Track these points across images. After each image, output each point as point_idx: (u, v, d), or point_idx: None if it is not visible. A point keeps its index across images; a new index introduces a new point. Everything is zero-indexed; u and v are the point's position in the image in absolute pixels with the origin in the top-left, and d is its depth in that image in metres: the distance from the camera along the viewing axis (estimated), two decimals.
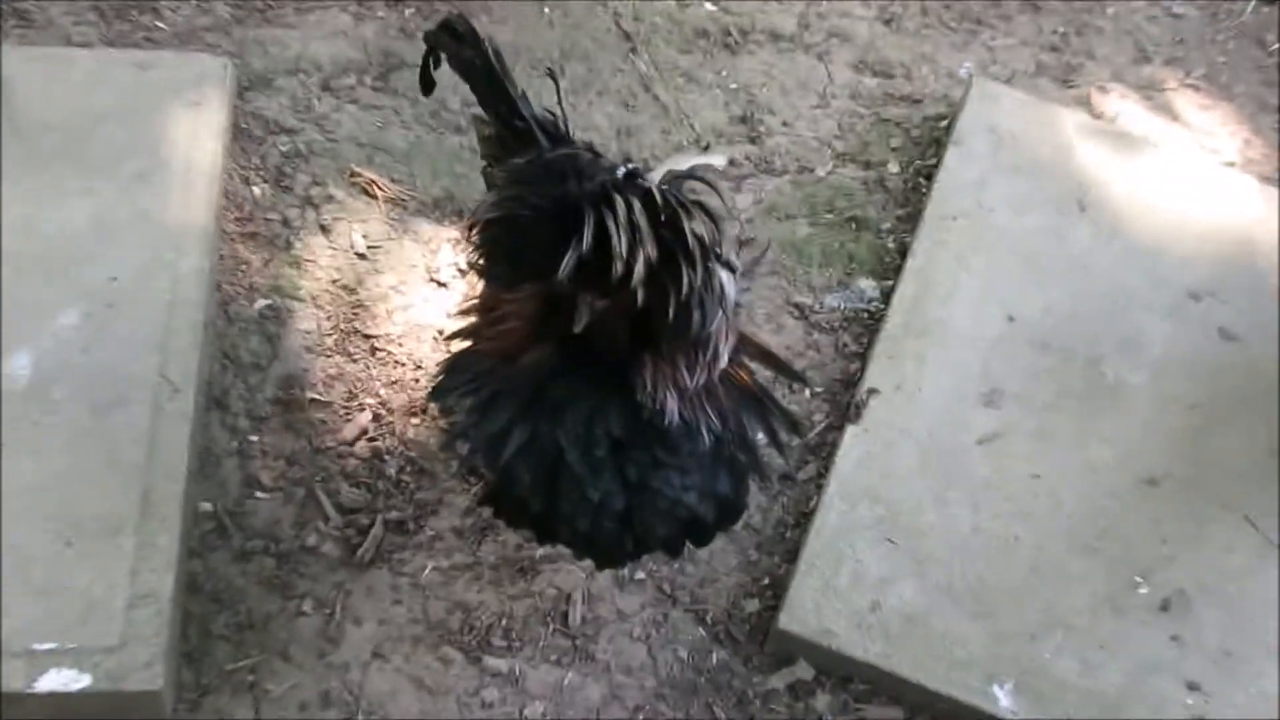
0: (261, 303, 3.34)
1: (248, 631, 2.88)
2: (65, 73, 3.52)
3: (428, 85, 2.82)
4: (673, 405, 2.19)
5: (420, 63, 2.79)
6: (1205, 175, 3.86)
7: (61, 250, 3.19)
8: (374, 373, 3.27)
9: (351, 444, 3.15)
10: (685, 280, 2.02)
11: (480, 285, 2.64)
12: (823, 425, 3.33)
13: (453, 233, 3.51)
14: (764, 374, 2.63)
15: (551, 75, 2.76)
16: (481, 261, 2.54)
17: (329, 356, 3.29)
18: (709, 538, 2.52)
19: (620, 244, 1.95)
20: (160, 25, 3.83)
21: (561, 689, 2.91)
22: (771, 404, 2.45)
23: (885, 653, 2.91)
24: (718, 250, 2.07)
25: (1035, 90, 4.12)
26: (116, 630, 2.69)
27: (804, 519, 3.16)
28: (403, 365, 3.28)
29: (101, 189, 3.30)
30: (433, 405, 3.13)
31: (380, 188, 3.57)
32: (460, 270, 3.43)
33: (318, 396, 3.22)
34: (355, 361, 3.29)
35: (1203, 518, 3.19)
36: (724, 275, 2.09)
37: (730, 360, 2.29)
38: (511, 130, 2.59)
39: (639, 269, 1.97)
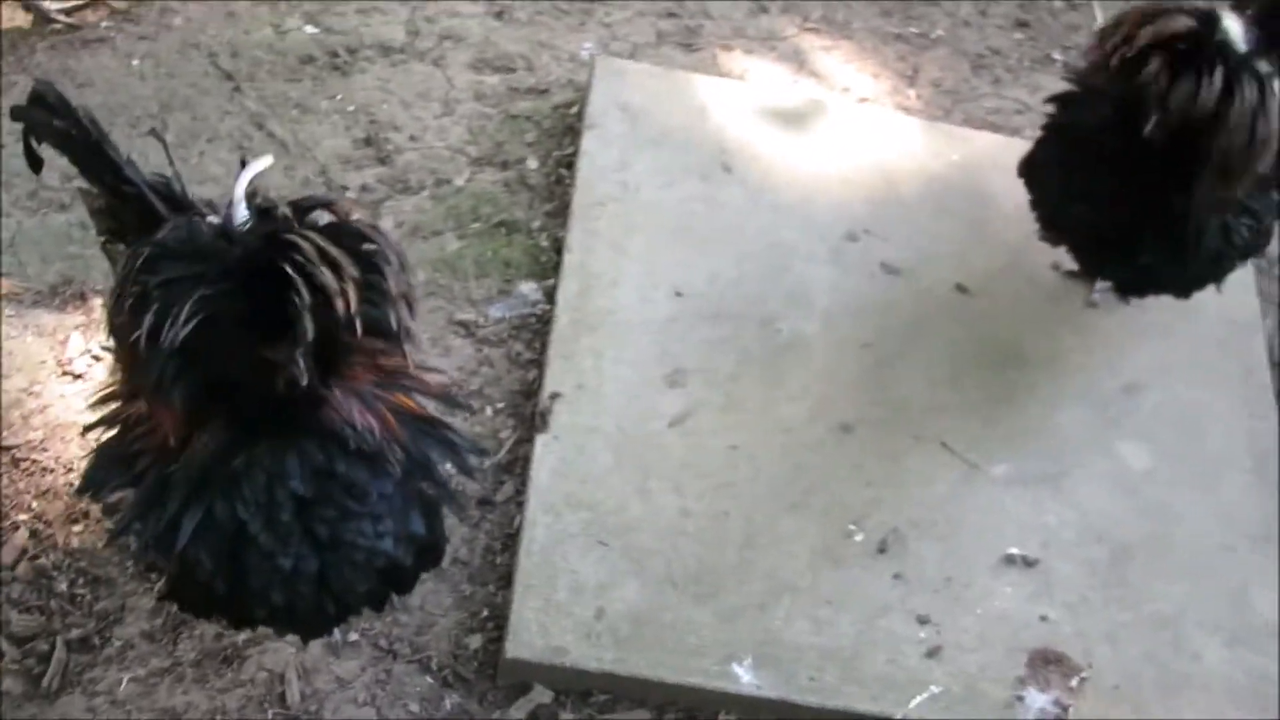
0: None
1: None
2: None
3: (35, 163, 2.75)
4: (374, 423, 2.22)
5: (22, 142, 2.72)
6: (842, 115, 4.09)
7: None
8: (21, 486, 3.18)
9: (13, 567, 3.06)
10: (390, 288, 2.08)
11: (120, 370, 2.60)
12: (511, 441, 3.40)
13: (79, 318, 3.44)
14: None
15: (155, 134, 2.73)
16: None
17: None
18: (411, 583, 2.56)
19: (330, 282, 1.97)
20: None
21: None
22: (449, 430, 2.49)
23: (619, 658, 3.01)
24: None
25: (660, 60, 4.29)
26: None
27: (511, 540, 3.22)
28: (51, 472, 3.20)
29: None
30: (96, 507, 3.07)
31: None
32: (96, 357, 3.37)
33: None
34: None
35: (900, 453, 3.40)
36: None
37: (401, 391, 2.34)
38: (122, 198, 2.56)
39: (352, 300, 2.00)
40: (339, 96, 4.01)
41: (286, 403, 2.12)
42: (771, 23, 4.49)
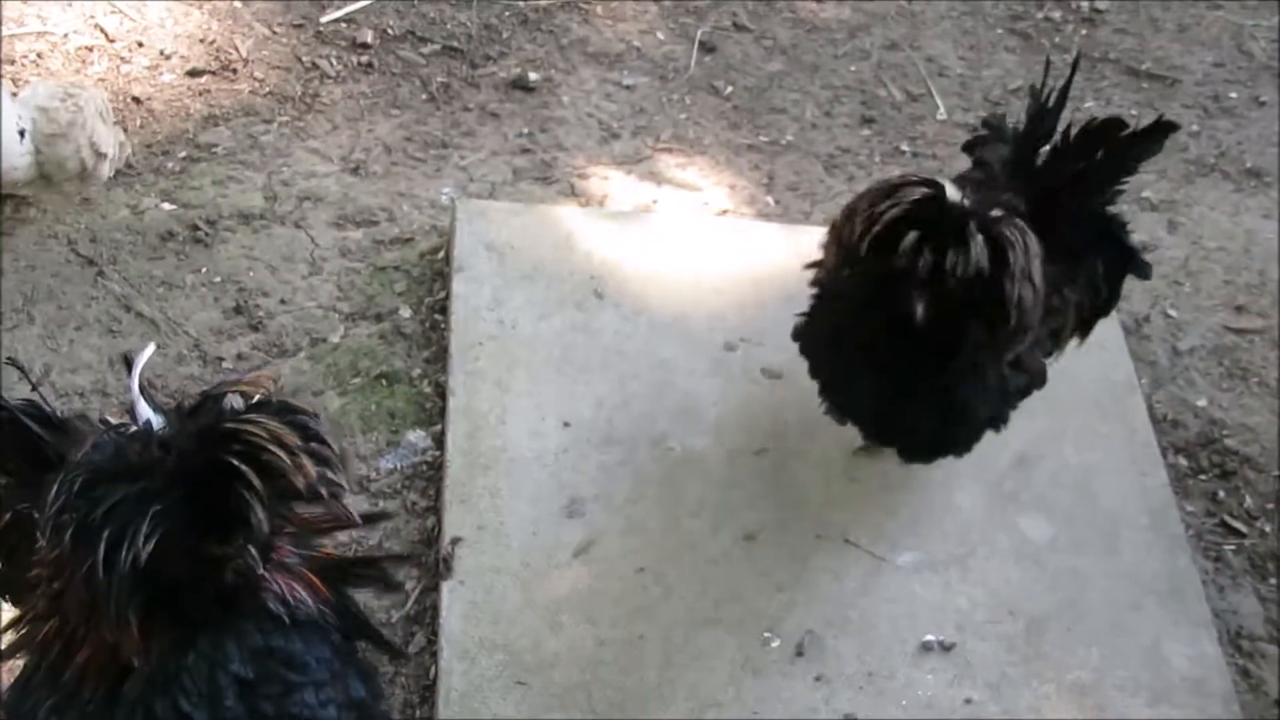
0: None
1: None
2: None
3: None
4: (304, 594, 2.20)
5: None
6: (705, 228, 4.17)
7: None
8: None
9: None
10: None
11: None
12: (418, 590, 3.37)
13: None
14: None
15: (14, 364, 2.66)
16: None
17: None
18: None
19: (285, 461, 1.97)
20: None
21: None
22: (363, 568, 2.47)
23: None
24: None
25: (520, 195, 4.34)
26: None
27: (429, 691, 3.19)
28: None
29: None
30: None
31: None
32: None
33: None
34: None
35: (806, 554, 3.43)
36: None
37: (320, 541, 2.32)
38: None
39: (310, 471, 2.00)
40: (204, 269, 4.01)
41: (222, 591, 2.11)
42: (624, 147, 4.57)
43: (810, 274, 3.33)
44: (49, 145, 3.77)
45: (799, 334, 3.39)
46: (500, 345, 3.74)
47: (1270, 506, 3.82)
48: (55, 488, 2.04)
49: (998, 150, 3.29)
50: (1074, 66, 3.26)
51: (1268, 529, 3.77)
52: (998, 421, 3.33)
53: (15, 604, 2.43)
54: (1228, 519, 3.80)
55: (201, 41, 4.60)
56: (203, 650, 2.14)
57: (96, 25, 4.60)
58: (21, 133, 3.71)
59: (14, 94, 3.80)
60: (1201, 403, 4.06)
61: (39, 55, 4.47)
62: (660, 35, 4.96)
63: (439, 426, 3.66)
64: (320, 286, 4.02)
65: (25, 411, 2.43)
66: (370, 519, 2.59)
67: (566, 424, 3.60)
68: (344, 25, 4.77)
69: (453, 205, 4.13)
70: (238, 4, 4.73)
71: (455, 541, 3.34)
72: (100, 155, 3.90)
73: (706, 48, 4.94)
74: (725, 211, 4.40)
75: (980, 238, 2.77)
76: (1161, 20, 5.33)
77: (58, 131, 3.77)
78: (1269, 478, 3.88)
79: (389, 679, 3.21)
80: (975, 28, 5.20)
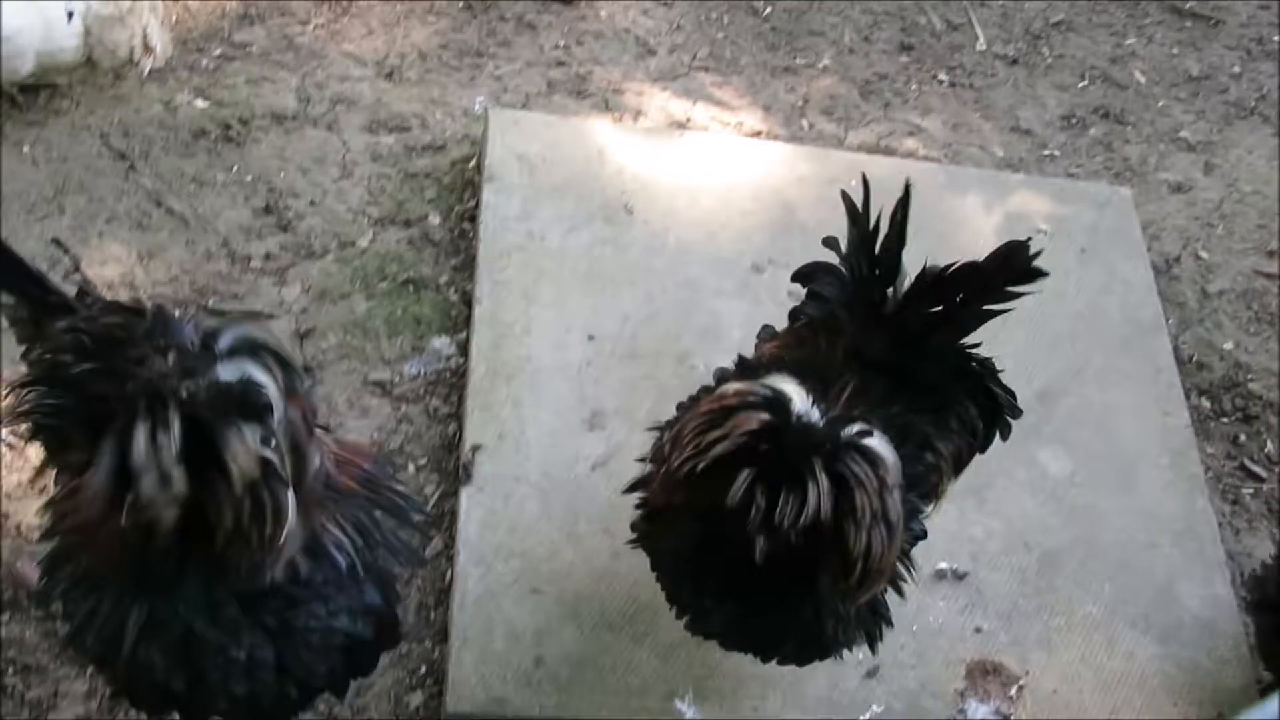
0: None
1: None
2: None
3: None
4: (272, 569, 2.15)
5: None
6: (737, 150, 4.15)
7: None
8: None
9: None
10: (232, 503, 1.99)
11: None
12: (436, 495, 3.41)
13: None
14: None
15: (59, 244, 2.67)
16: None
17: None
18: (373, 661, 2.58)
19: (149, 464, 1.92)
20: None
21: None
22: (386, 489, 2.49)
23: (561, 703, 3.02)
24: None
25: (553, 108, 4.33)
26: None
27: (444, 595, 3.23)
28: None
29: None
30: (22, 594, 3.04)
31: None
32: (10, 445, 3.34)
33: None
34: None
35: None
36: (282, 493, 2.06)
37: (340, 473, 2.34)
38: (45, 306, 2.53)
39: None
40: (235, 168, 4.01)
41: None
42: (660, 64, 4.55)
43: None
44: (104, 29, 3.75)
45: (638, 534, 2.87)
46: (528, 256, 3.74)
47: None
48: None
49: (836, 285, 2.87)
50: (904, 195, 2.66)
51: None
52: (878, 627, 2.83)
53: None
54: (1247, 463, 3.81)
55: None
56: (200, 562, 2.15)
57: None
58: (70, 14, 3.69)
59: None
60: (1228, 345, 4.06)
61: None
62: None
63: (464, 334, 3.68)
64: (350, 190, 4.02)
65: (70, 297, 2.47)
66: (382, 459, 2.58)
67: (591, 337, 3.61)
68: None
69: (485, 115, 4.12)
70: None
71: (476, 449, 3.36)
72: (148, 49, 3.89)
73: None
74: (758, 133, 4.39)
75: (824, 479, 2.27)
76: None
77: (115, 15, 3.75)
78: None
79: (404, 581, 3.24)
80: None
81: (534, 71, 4.45)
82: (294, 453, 2.05)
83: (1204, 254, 4.30)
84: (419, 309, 3.77)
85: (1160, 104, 4.78)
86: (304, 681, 2.38)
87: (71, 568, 2.30)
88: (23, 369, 2.43)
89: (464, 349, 3.64)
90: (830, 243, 2.89)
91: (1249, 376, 3.98)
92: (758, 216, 3.94)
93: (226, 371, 2.01)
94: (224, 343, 2.04)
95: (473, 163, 4.10)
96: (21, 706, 2.97)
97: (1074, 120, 4.70)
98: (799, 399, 2.35)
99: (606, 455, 3.39)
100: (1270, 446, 3.84)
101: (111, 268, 3.70)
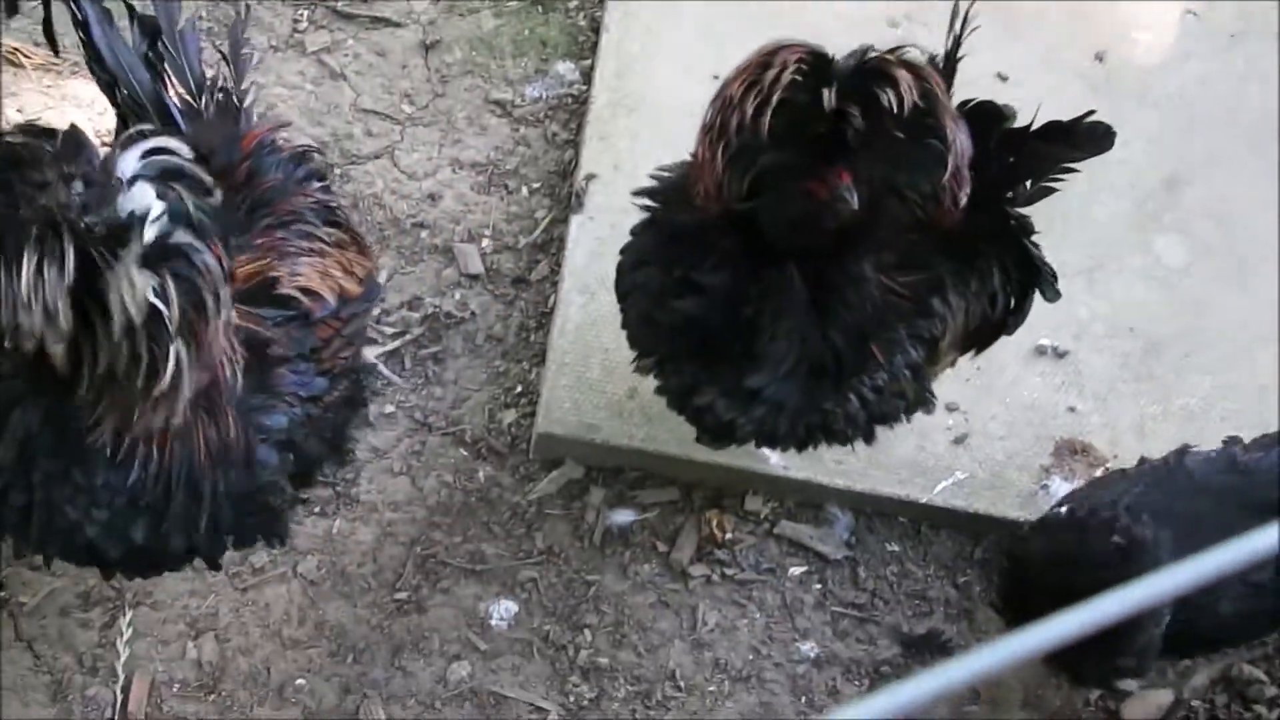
0: None
1: None
2: None
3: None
4: (111, 436, 2.10)
5: None
6: None
7: None
8: None
9: None
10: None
11: None
12: (546, 221, 3.42)
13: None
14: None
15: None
16: None
17: None
18: (115, 569, 2.47)
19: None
20: None
21: (331, 538, 3.00)
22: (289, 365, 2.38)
23: (650, 435, 3.07)
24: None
25: None
26: None
27: (545, 319, 3.27)
28: None
29: None
30: None
31: (26, 55, 3.47)
32: None
33: None
34: None
35: None
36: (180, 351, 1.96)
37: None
38: None
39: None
40: None
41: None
42: None
43: None
44: None
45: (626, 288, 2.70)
46: None
47: None
48: None
49: None
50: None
51: None
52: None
53: None
54: None
55: None
56: (25, 397, 2.11)
57: None
58: None
59: None
60: None
61: None
62: None
63: (589, 61, 3.64)
64: None
65: None
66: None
67: (716, 77, 3.53)
68: None
69: None
70: None
71: (590, 178, 3.36)
72: None
73: None
74: None
75: (902, 68, 2.22)
76: None
77: None
78: None
79: (508, 301, 3.29)
80: None
81: None
82: (194, 306, 1.95)
83: None
84: (546, 31, 3.73)
85: None
86: (40, 543, 2.31)
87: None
88: None
89: (587, 76, 3.61)
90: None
91: None
92: None
93: (130, 202, 1.93)
94: (127, 168, 1.96)
95: None
96: None
97: None
98: None
99: None
100: None
101: None
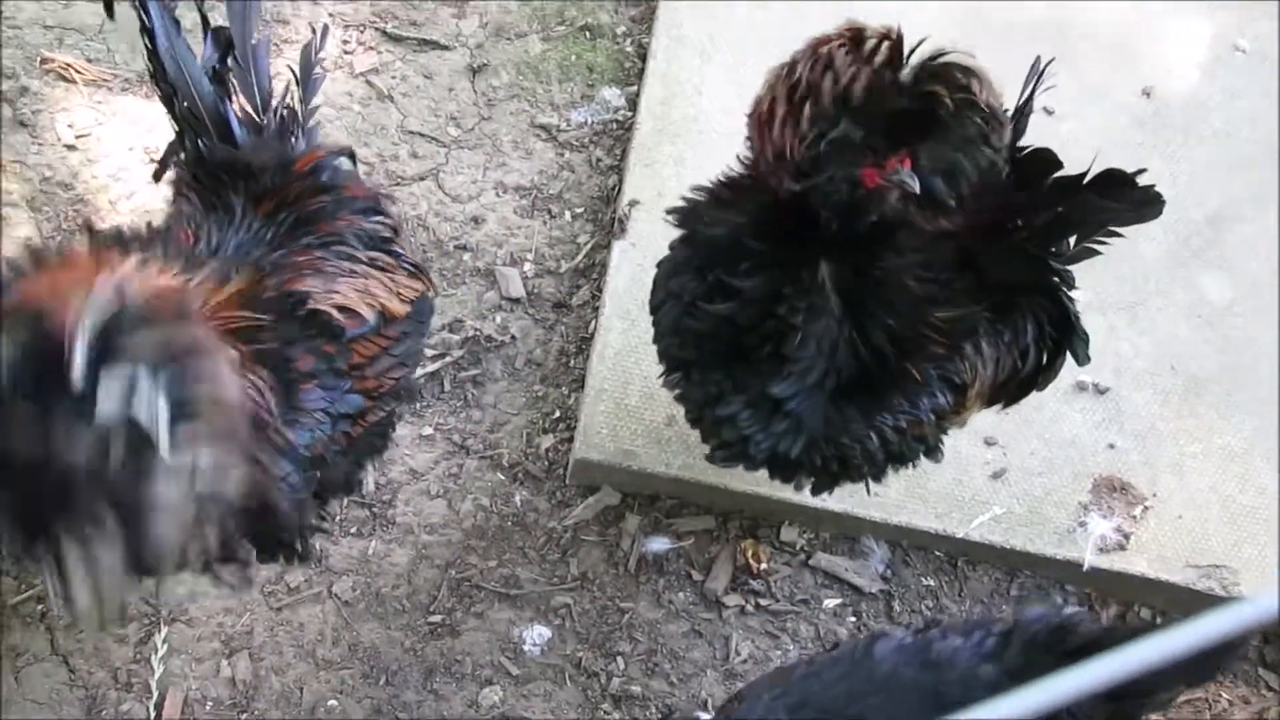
0: None
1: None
2: None
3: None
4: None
5: None
6: None
7: None
8: None
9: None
10: None
11: None
12: (589, 246, 3.41)
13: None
14: None
15: None
16: None
17: None
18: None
19: None
20: None
21: (367, 559, 2.99)
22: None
23: (688, 464, 3.05)
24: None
25: None
26: None
27: (585, 344, 3.26)
28: None
29: None
30: None
31: (78, 71, 3.49)
32: None
33: None
34: None
35: None
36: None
37: None
38: None
39: None
40: None
41: None
42: None
43: None
44: None
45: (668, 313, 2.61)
46: (709, 15, 3.67)
47: None
48: None
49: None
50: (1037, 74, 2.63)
51: None
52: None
53: None
54: None
55: None
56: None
57: None
58: None
59: None
60: None
61: None
62: None
63: (634, 87, 3.64)
64: None
65: None
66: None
67: None
68: None
69: None
70: None
71: (633, 204, 3.35)
72: None
73: None
74: None
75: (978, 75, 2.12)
76: None
77: None
78: None
79: (549, 325, 3.28)
80: None
81: None
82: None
83: None
84: (593, 56, 3.73)
85: None
86: None
87: None
88: None
89: (633, 103, 3.60)
90: None
91: None
92: (947, 12, 3.80)
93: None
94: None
95: None
96: None
97: None
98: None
99: None
100: None
101: None
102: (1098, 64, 3.80)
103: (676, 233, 2.59)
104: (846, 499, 3.04)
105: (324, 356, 2.32)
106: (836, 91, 2.10)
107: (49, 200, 3.31)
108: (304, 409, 2.28)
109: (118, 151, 3.40)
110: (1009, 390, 2.73)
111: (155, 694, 2.81)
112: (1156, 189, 2.43)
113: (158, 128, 3.41)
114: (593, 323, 3.26)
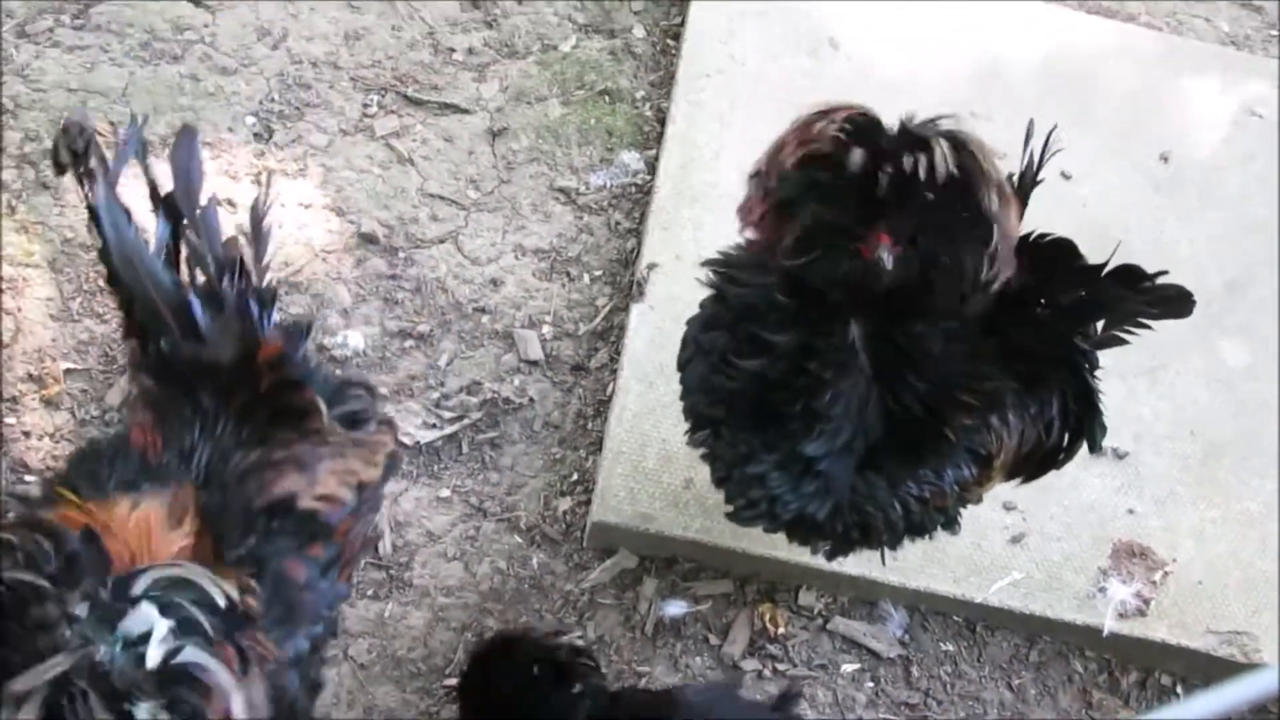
0: None
1: None
2: None
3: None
4: None
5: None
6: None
7: None
8: None
9: (119, 409, 3.12)
10: None
11: None
12: (607, 309, 3.41)
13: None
14: None
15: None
16: None
17: (77, 321, 3.24)
18: None
19: None
20: None
21: (383, 622, 2.96)
22: None
23: (705, 527, 3.03)
24: None
25: None
26: None
27: (603, 407, 3.24)
28: None
29: None
30: None
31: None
32: None
33: (73, 366, 3.18)
34: (106, 322, 3.24)
35: None
36: None
37: None
38: None
39: None
40: None
41: None
42: None
43: None
44: None
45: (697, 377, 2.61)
46: (727, 80, 3.68)
47: None
48: None
49: None
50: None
51: None
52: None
53: None
54: None
55: None
56: None
57: None
58: None
59: None
60: None
61: None
62: None
63: (653, 151, 3.64)
64: None
65: None
66: None
67: None
68: None
69: None
70: None
71: (651, 267, 3.34)
72: None
73: None
74: None
75: (943, 140, 2.11)
76: None
77: None
78: None
79: (567, 389, 3.27)
80: None
81: None
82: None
83: None
84: (612, 120, 3.74)
85: None
86: None
87: None
88: None
89: (652, 167, 3.60)
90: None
91: None
92: (963, 65, 3.82)
93: (134, 624, 1.80)
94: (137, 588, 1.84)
95: None
96: None
97: None
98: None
99: None
100: None
101: (318, 45, 3.72)
102: (1114, 128, 3.80)
103: (700, 294, 2.59)
104: (864, 563, 3.01)
105: (313, 562, 2.23)
106: (786, 169, 2.24)
107: (70, 262, 3.31)
108: (302, 619, 2.20)
109: (138, 212, 3.39)
110: (1030, 464, 2.70)
111: None
112: (1185, 289, 2.47)
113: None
114: (611, 385, 3.25)
